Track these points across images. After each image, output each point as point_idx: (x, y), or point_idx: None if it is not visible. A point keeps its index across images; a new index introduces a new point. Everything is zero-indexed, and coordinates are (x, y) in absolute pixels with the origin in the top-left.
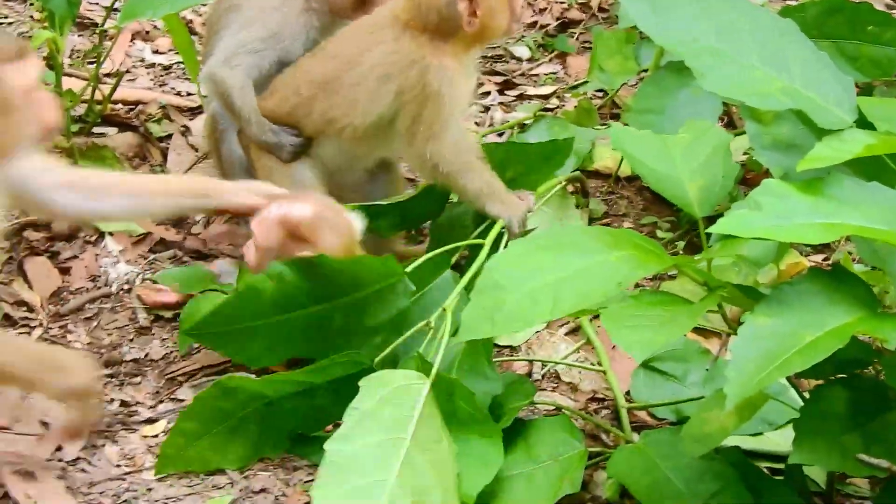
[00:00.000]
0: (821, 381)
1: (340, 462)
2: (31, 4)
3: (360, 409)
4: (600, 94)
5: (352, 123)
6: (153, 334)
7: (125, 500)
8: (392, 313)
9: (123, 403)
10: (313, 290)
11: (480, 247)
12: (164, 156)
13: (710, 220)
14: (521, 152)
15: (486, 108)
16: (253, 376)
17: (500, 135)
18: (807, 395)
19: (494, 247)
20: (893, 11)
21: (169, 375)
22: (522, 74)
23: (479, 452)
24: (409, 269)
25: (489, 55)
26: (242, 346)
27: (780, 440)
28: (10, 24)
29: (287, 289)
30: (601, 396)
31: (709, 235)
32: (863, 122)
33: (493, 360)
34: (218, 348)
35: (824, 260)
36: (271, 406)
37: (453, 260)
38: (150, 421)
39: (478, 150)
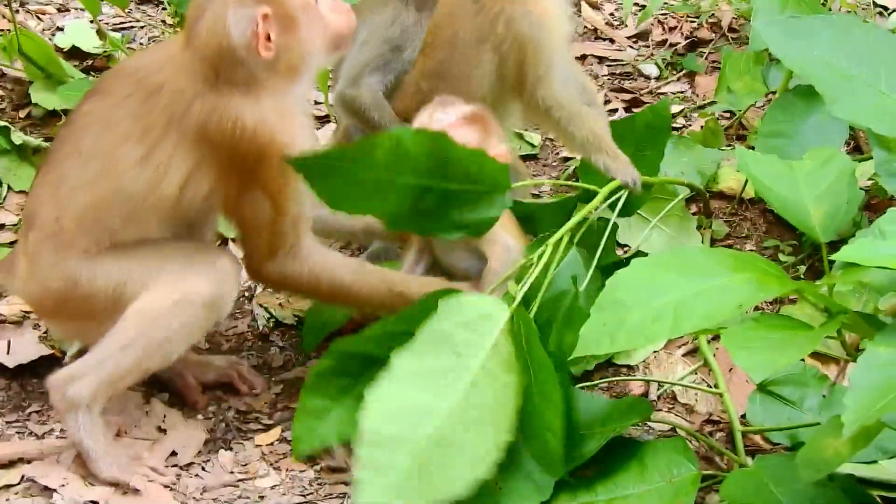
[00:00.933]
0: None
1: (402, 376)
2: (164, 9)
3: (434, 329)
4: (727, 115)
5: (472, 98)
6: (272, 341)
7: None
8: (479, 218)
9: (240, 411)
10: (422, 164)
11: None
12: None
13: (833, 245)
14: (627, 128)
15: None
16: None
17: None
18: None
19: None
20: None
21: (287, 383)
22: (650, 93)
23: (544, 392)
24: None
25: (617, 72)
26: (336, 186)
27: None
28: (142, 27)
29: (399, 151)
30: (716, 419)
31: (831, 261)
32: None
33: (612, 378)
34: (311, 177)
35: None
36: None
37: None
38: (267, 428)
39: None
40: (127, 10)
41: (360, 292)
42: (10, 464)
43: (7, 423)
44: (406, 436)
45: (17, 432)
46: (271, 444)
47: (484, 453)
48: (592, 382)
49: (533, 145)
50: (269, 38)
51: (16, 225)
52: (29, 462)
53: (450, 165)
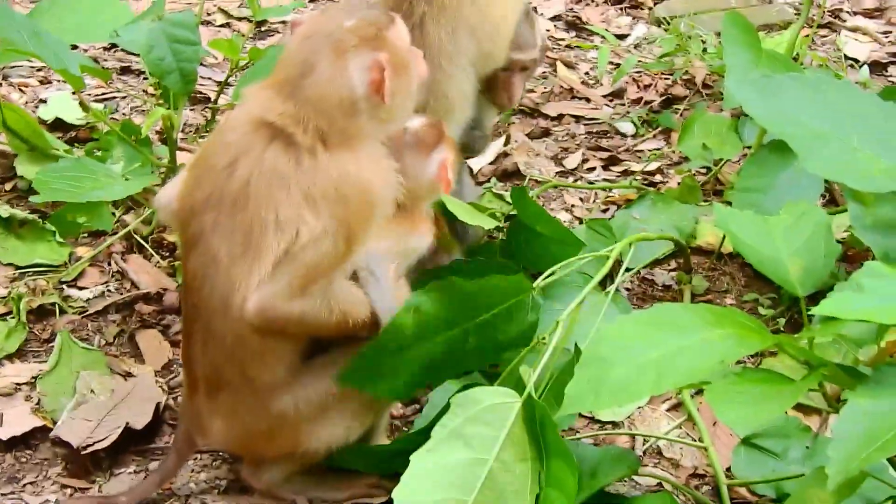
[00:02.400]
0: None
1: (423, 475)
2: (146, 79)
3: (447, 427)
4: (704, 171)
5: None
6: None
7: None
8: (523, 327)
9: None
10: (448, 315)
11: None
12: None
13: (812, 297)
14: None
15: (591, 183)
16: None
17: (605, 210)
18: None
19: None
20: None
21: None
22: (627, 150)
23: (557, 478)
24: (537, 283)
25: (594, 131)
26: (391, 381)
27: None
28: (124, 97)
29: (425, 318)
30: (702, 472)
31: (810, 314)
32: None
33: (597, 433)
34: (367, 388)
35: None
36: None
37: None
38: None
39: None
40: (109, 81)
41: (356, 328)
42: None
43: (2, 495)
44: None
45: None
46: None
47: None
48: (578, 436)
49: None
50: (386, 84)
51: (5, 298)
52: None
53: (470, 301)
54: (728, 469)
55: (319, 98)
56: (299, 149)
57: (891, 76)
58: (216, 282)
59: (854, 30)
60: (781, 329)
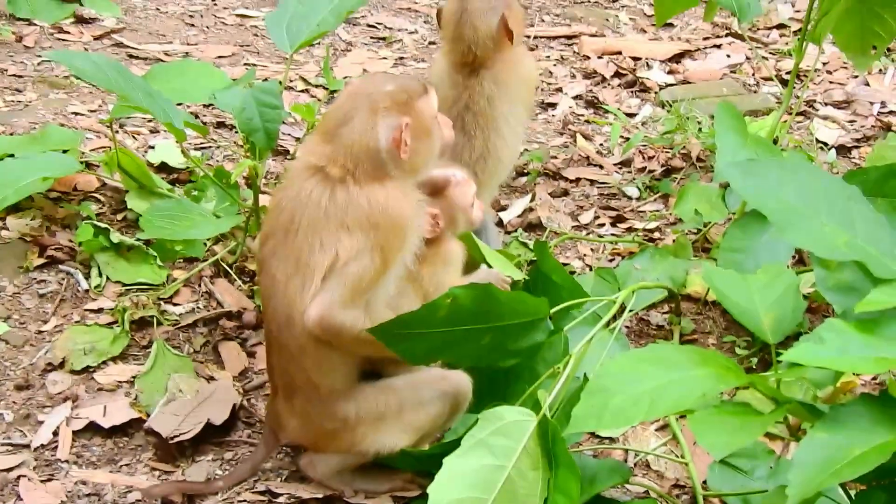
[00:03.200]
0: (864, 486)
1: (453, 475)
2: (237, 133)
3: (475, 437)
4: (695, 231)
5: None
6: None
7: None
8: (531, 343)
9: None
10: (476, 312)
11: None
12: None
13: (781, 343)
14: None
15: (601, 237)
16: None
17: (611, 260)
18: (853, 493)
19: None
20: None
21: None
22: (632, 210)
23: (563, 486)
24: (553, 310)
25: (605, 193)
26: (411, 346)
27: None
28: (218, 147)
29: (458, 307)
30: (682, 484)
31: (779, 358)
32: None
33: (597, 447)
34: (390, 345)
35: (873, 378)
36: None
37: None
38: None
39: None
40: (206, 134)
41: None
42: None
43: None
44: None
45: None
46: None
47: None
48: (581, 448)
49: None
50: (406, 143)
51: (112, 309)
52: None
53: (498, 308)
54: (704, 482)
55: (351, 144)
56: (333, 182)
57: (854, 158)
58: (277, 299)
59: (825, 118)
60: (754, 367)
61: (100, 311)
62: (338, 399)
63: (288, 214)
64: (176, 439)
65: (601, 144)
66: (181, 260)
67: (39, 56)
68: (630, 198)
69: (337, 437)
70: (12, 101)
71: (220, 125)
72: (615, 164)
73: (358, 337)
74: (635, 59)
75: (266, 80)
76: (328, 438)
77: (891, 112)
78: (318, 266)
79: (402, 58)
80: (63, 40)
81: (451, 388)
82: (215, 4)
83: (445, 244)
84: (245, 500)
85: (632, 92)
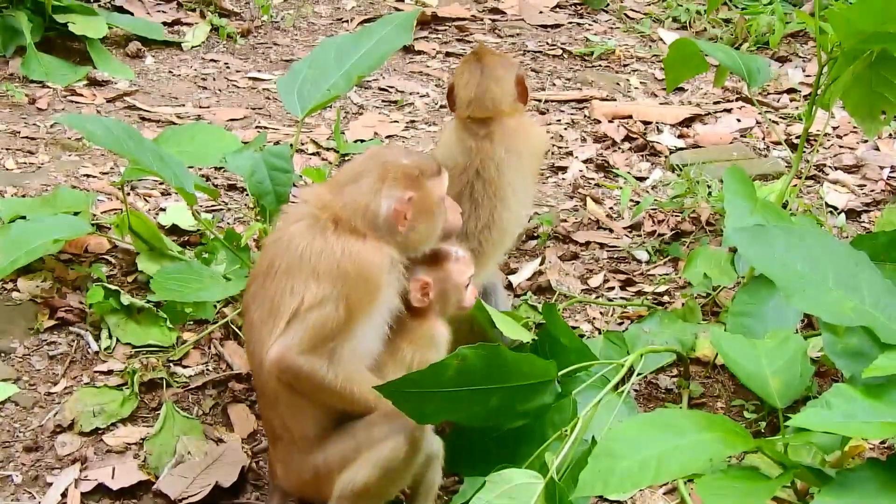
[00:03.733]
0: None
1: None
2: (247, 195)
3: (483, 499)
4: (704, 295)
5: None
6: None
7: None
8: (539, 405)
9: None
10: (485, 372)
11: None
12: None
13: (790, 407)
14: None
15: (610, 300)
16: None
17: (620, 323)
18: None
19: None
20: None
21: None
22: (641, 274)
23: None
24: (562, 373)
25: (615, 256)
26: (419, 404)
27: None
28: (229, 209)
29: (466, 368)
30: None
31: (787, 423)
32: None
33: None
34: (398, 404)
35: (881, 443)
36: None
37: None
38: None
39: None
40: (217, 197)
41: (358, 403)
42: None
43: None
44: None
45: None
46: None
47: None
48: None
49: None
50: (406, 218)
51: (122, 371)
52: None
53: (506, 368)
54: None
55: (353, 201)
56: (314, 229)
57: (863, 222)
58: (254, 344)
59: (835, 182)
60: (762, 431)
61: (109, 372)
62: (311, 446)
63: (269, 258)
64: (184, 501)
65: (611, 208)
66: (191, 322)
67: (52, 118)
68: (640, 261)
69: (314, 486)
70: (24, 162)
71: (232, 187)
72: (625, 228)
73: (319, 385)
74: (646, 122)
75: (277, 142)
76: (307, 487)
77: None
78: (285, 310)
79: (413, 121)
80: (76, 102)
81: (406, 423)
82: (228, 68)
83: (432, 324)
84: None
85: (642, 156)
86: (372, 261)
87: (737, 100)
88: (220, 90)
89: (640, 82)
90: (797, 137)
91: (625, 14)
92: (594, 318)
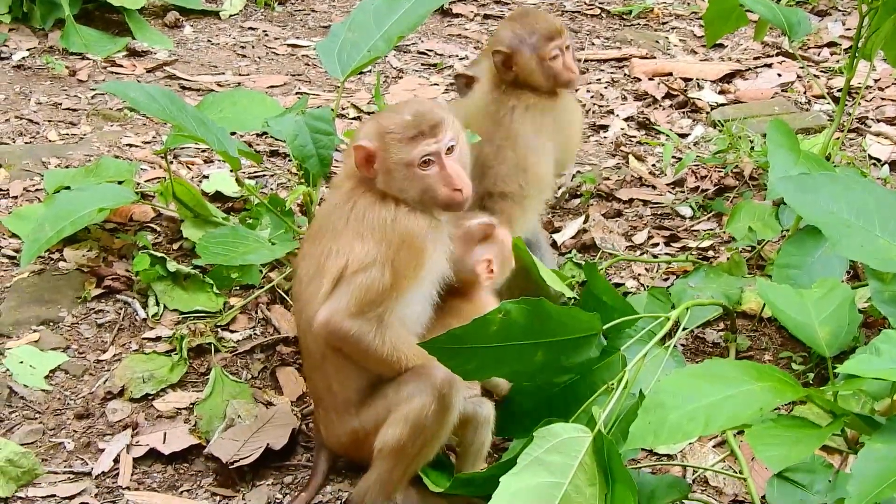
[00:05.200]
0: None
1: (510, 494)
2: (290, 160)
3: (531, 455)
4: (749, 249)
5: None
6: None
7: None
8: (584, 359)
9: None
10: (528, 327)
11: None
12: None
13: (837, 357)
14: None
15: (655, 257)
16: None
17: (665, 279)
18: None
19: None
20: None
21: None
22: (685, 230)
23: (621, 501)
24: (605, 327)
25: (658, 213)
26: (463, 361)
27: None
28: (272, 175)
29: (510, 323)
30: (741, 499)
31: (835, 371)
32: None
33: (655, 464)
34: (442, 360)
35: None
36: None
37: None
38: None
39: None
40: (260, 162)
41: (400, 366)
42: None
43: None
44: None
45: None
46: None
47: None
48: (639, 466)
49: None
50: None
51: (170, 337)
52: None
53: (549, 323)
54: (763, 497)
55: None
56: (364, 192)
57: None
58: (301, 301)
59: (877, 134)
60: (811, 382)
61: (158, 339)
62: (350, 408)
63: (321, 218)
64: (236, 464)
65: (653, 165)
66: (237, 287)
67: (93, 89)
68: (683, 217)
69: (355, 446)
70: (67, 134)
71: (274, 154)
72: (668, 185)
73: (366, 350)
74: (686, 80)
75: (319, 107)
76: (349, 448)
77: None
78: (330, 271)
79: (452, 84)
80: (116, 73)
81: (433, 381)
82: (266, 35)
83: (482, 299)
84: None
85: (683, 112)
86: (419, 227)
87: (777, 54)
88: (259, 58)
89: (680, 40)
90: (838, 91)
91: None
92: (639, 275)
